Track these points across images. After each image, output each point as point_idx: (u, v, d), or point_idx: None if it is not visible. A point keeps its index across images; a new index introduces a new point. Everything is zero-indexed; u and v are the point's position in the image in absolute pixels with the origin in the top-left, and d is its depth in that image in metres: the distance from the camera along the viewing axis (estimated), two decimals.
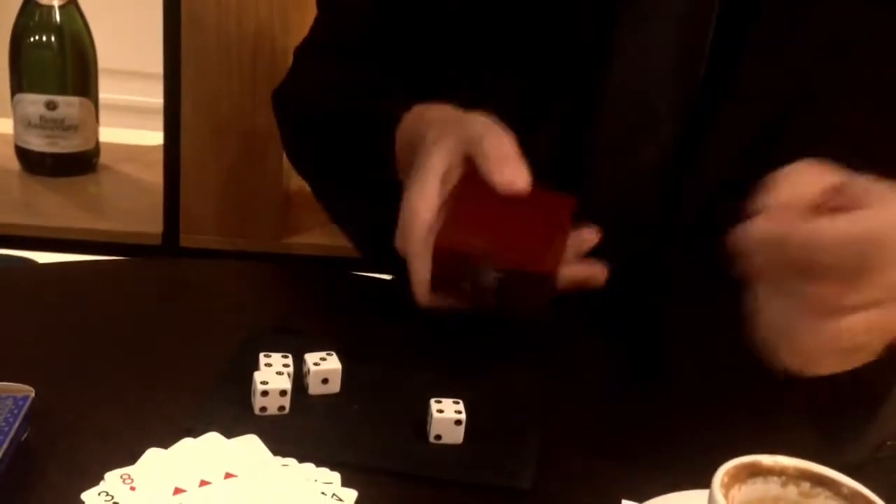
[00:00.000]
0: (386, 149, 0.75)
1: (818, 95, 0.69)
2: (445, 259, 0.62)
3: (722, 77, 0.70)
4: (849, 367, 0.56)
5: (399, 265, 0.66)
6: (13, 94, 1.37)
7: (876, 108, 0.69)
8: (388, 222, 0.68)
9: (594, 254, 0.67)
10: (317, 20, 0.92)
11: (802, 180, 0.57)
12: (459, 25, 0.79)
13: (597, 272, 0.65)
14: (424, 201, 0.63)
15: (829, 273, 0.52)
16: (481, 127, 0.65)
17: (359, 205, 0.82)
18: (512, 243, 0.62)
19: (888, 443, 0.68)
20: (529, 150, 0.71)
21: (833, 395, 0.69)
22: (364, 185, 0.80)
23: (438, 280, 0.63)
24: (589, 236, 0.65)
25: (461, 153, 0.64)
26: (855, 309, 0.53)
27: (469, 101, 0.77)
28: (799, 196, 0.56)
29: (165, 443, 0.55)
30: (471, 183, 0.64)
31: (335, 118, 0.84)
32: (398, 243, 0.65)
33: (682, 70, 0.72)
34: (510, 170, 0.62)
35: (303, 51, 0.94)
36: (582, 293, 0.67)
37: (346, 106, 0.82)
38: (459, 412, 0.59)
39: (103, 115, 1.42)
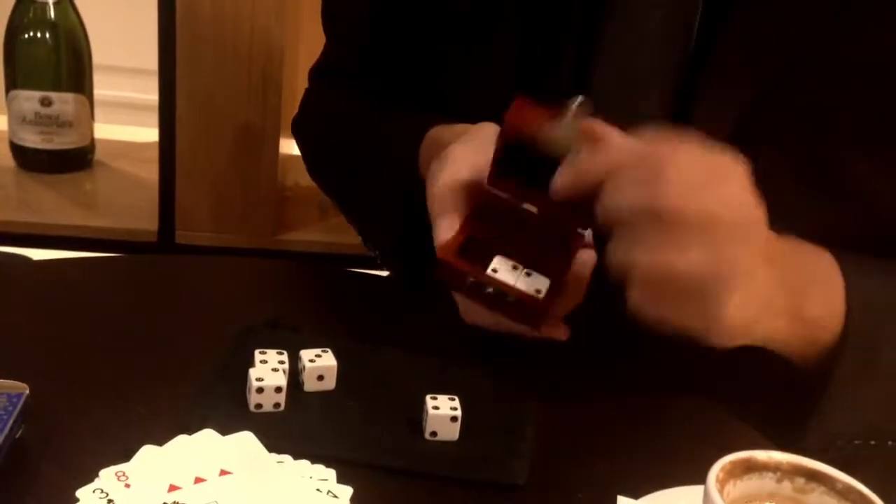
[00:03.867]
0: (409, 172, 0.78)
1: (801, 74, 0.69)
2: (446, 268, 0.63)
3: (708, 55, 0.70)
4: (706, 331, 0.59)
5: (423, 281, 0.68)
6: (7, 90, 1.37)
7: (860, 84, 0.69)
8: (412, 239, 0.69)
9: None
10: (325, 45, 0.97)
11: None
12: (452, 18, 0.80)
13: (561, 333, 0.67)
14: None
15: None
16: (437, 193, 0.67)
17: (383, 223, 0.85)
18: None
19: (837, 443, 0.68)
20: None
21: (768, 391, 0.70)
22: (388, 205, 0.82)
23: (443, 272, 0.64)
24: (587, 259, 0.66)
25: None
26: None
27: (465, 90, 0.77)
28: None
29: (160, 440, 0.55)
30: (485, 200, 0.66)
31: (353, 148, 0.88)
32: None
33: (671, 58, 0.72)
34: (440, 228, 0.65)
35: (316, 74, 0.98)
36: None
37: (361, 139, 0.87)
38: (455, 409, 0.59)
39: (98, 112, 1.42)
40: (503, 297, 0.63)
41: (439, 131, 0.77)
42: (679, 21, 0.72)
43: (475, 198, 0.66)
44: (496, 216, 0.66)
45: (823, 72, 0.69)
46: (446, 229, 0.64)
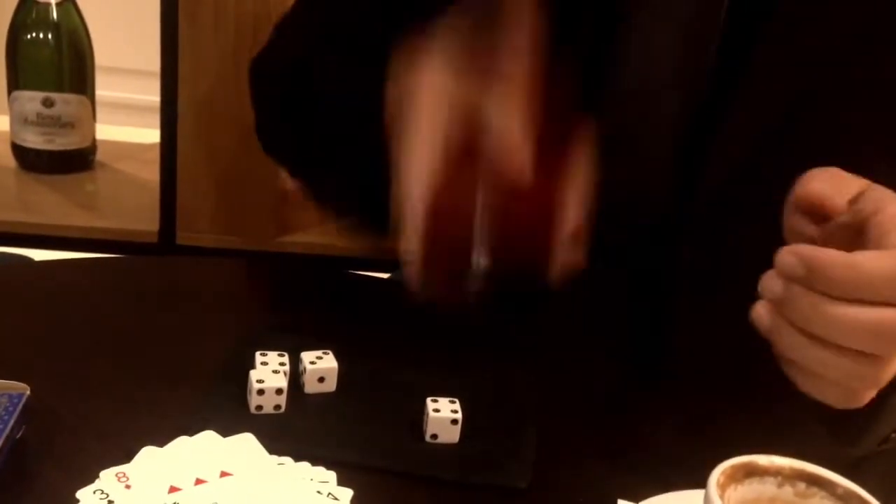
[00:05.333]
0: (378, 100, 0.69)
1: (827, 95, 0.69)
2: (444, 220, 0.59)
3: (731, 74, 0.70)
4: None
5: (389, 239, 0.63)
6: (10, 91, 1.37)
7: (885, 98, 0.69)
8: (376, 191, 0.65)
9: (608, 249, 0.67)
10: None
11: (825, 187, 0.58)
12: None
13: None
14: (423, 160, 0.60)
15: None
16: (495, 105, 0.60)
17: (344, 175, 0.78)
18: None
19: (893, 435, 0.68)
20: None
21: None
22: (351, 158, 0.76)
23: (428, 254, 0.59)
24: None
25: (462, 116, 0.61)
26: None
27: None
28: (824, 203, 0.57)
29: (161, 441, 0.55)
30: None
31: (323, 80, 0.80)
32: (395, 197, 0.61)
33: (689, 69, 0.72)
34: (516, 163, 0.59)
35: (283, 24, 0.90)
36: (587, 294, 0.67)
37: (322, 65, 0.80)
38: (455, 411, 0.59)
39: (100, 113, 1.42)
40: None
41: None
42: (699, 36, 0.72)
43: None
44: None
45: (850, 87, 0.69)
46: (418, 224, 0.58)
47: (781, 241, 0.70)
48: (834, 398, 0.55)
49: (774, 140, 0.70)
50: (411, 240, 0.59)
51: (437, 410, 0.59)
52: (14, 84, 1.36)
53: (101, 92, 1.41)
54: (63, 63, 1.36)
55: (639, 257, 0.70)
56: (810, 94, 0.69)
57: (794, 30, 0.69)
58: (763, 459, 0.49)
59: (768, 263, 0.66)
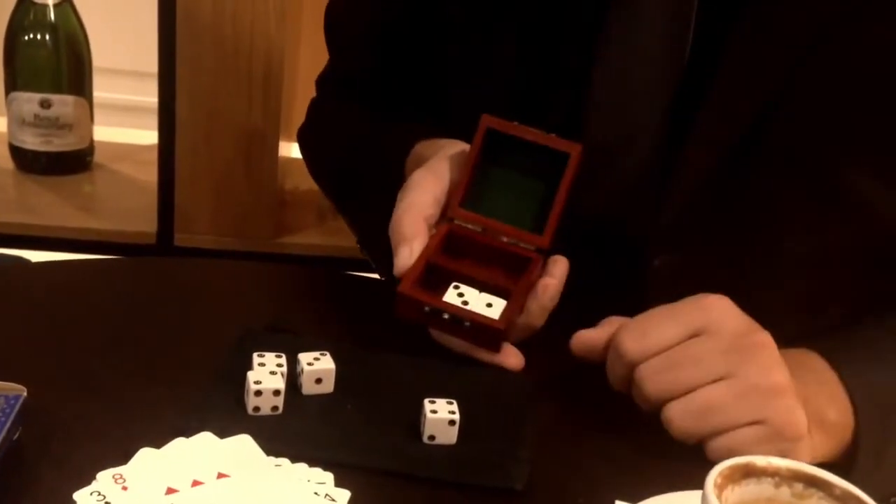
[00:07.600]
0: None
1: (792, 102, 0.69)
2: (404, 298, 0.66)
3: (704, 75, 0.71)
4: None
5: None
6: (7, 92, 1.37)
7: (858, 97, 0.69)
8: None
9: (580, 259, 0.68)
10: (330, 57, 0.98)
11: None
12: (457, 32, 0.80)
13: (513, 361, 0.68)
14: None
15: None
16: (403, 203, 0.68)
17: (374, 233, 0.85)
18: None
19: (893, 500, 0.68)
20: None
21: None
22: (377, 217, 0.83)
23: (402, 305, 0.67)
24: (548, 285, 0.67)
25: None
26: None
27: (464, 112, 0.78)
28: None
29: (158, 442, 0.55)
30: (444, 232, 0.69)
31: (349, 161, 0.90)
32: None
33: (663, 81, 0.72)
34: (399, 257, 0.67)
35: (321, 84, 0.99)
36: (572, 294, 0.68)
37: (357, 152, 0.89)
38: (453, 412, 0.59)
39: (98, 114, 1.42)
40: (461, 322, 0.65)
41: (423, 147, 0.77)
42: (677, 31, 0.72)
43: (436, 223, 0.69)
44: (457, 241, 0.69)
45: (823, 85, 0.69)
46: (405, 258, 0.66)
47: (749, 249, 0.72)
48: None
49: (742, 148, 0.71)
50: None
51: (434, 412, 0.59)
52: (11, 85, 1.36)
53: (98, 93, 1.41)
54: (60, 64, 1.36)
55: (610, 266, 0.72)
56: (776, 102, 0.70)
57: (758, 39, 0.69)
58: (760, 460, 0.49)
59: (735, 269, 0.67)
